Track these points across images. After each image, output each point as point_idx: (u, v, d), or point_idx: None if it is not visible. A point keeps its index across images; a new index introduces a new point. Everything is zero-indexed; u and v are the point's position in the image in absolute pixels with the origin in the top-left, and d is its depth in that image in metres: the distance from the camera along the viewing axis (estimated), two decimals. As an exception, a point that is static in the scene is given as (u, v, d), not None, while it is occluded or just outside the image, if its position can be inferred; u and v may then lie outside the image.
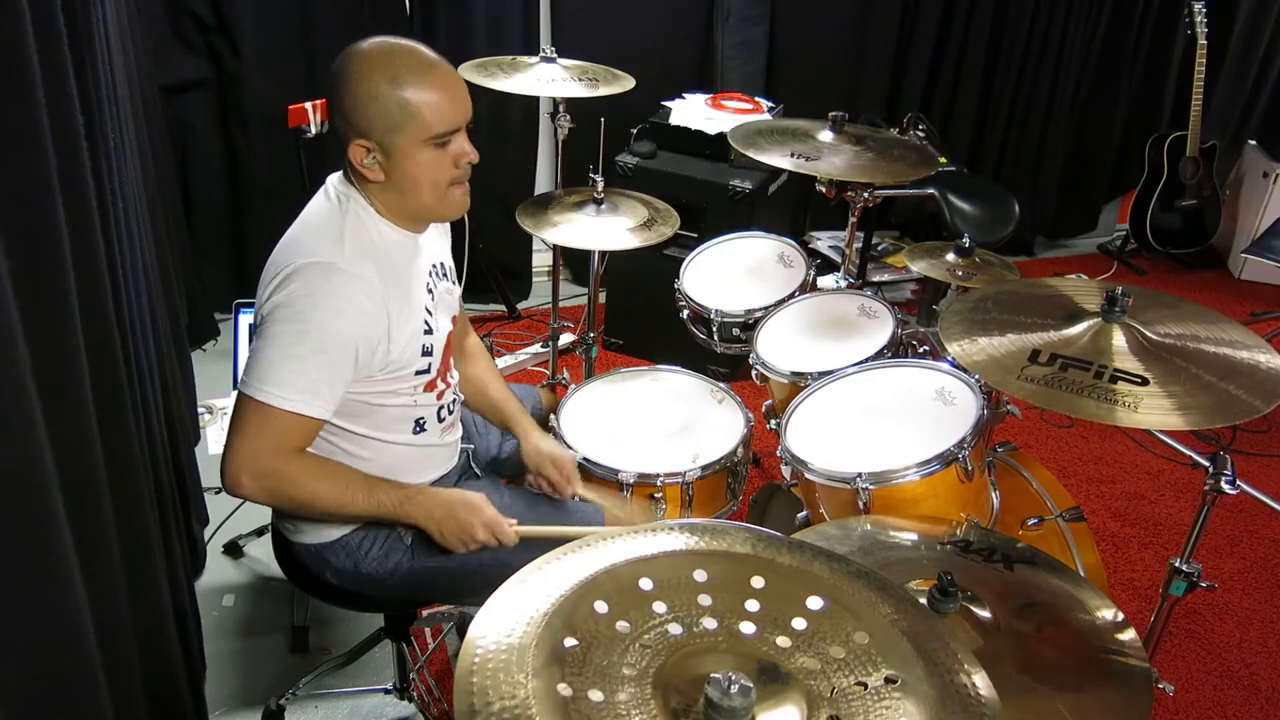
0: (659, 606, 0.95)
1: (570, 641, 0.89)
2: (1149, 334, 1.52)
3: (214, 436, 2.85)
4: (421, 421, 1.65)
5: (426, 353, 1.59)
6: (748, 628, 0.94)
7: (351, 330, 1.46)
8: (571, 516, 1.74)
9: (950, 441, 1.70)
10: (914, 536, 1.56)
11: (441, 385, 1.67)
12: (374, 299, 1.48)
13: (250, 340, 1.53)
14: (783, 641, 0.93)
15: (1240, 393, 1.40)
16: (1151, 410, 1.38)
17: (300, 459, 1.49)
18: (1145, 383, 1.42)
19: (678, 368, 2.23)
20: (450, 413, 1.73)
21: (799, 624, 0.95)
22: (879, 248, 3.94)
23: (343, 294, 1.45)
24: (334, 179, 1.59)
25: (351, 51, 1.49)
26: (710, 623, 0.94)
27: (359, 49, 1.49)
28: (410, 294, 1.57)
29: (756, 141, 2.27)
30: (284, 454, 1.46)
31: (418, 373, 1.59)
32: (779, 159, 2.19)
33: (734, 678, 0.81)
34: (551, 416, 2.02)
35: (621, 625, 0.92)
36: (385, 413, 1.59)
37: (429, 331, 1.60)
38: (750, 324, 2.31)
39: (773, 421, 2.18)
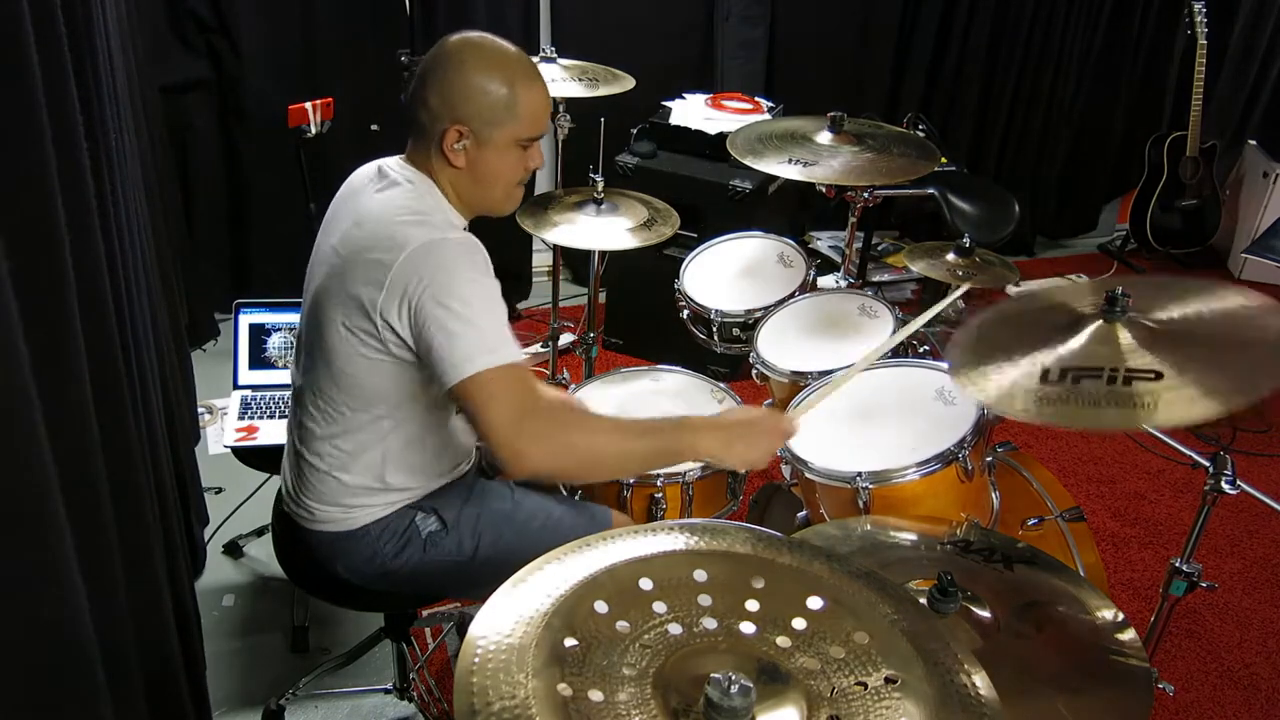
0: (659, 606, 0.95)
1: (570, 641, 0.89)
2: (1152, 324, 1.49)
3: (214, 436, 2.85)
4: None
5: None
6: (748, 628, 0.94)
7: (491, 281, 1.50)
8: (581, 517, 1.74)
9: (950, 441, 1.70)
10: (914, 536, 1.56)
11: None
12: (484, 252, 1.52)
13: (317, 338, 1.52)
14: (783, 641, 0.93)
15: (1258, 364, 1.34)
16: (1172, 405, 1.32)
17: (552, 405, 1.49)
18: (1159, 376, 1.38)
19: (678, 368, 2.23)
20: None
21: (799, 624, 0.95)
22: (879, 248, 3.93)
23: (467, 257, 1.48)
24: (391, 165, 1.60)
25: (463, 41, 1.54)
26: (710, 623, 0.94)
27: (473, 41, 1.54)
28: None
29: (756, 148, 2.26)
30: (534, 407, 1.44)
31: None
32: (779, 166, 2.19)
33: (734, 678, 0.81)
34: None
35: (621, 625, 0.92)
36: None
37: None
38: (750, 324, 2.31)
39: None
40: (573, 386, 2.17)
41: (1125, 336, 1.47)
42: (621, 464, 1.59)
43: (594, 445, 1.49)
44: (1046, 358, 1.47)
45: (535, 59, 2.56)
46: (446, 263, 1.45)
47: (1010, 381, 1.45)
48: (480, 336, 1.43)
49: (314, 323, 1.58)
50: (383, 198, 1.55)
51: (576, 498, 1.94)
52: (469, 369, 1.41)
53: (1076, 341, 1.49)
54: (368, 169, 1.63)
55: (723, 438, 1.53)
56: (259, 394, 2.37)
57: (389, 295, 1.45)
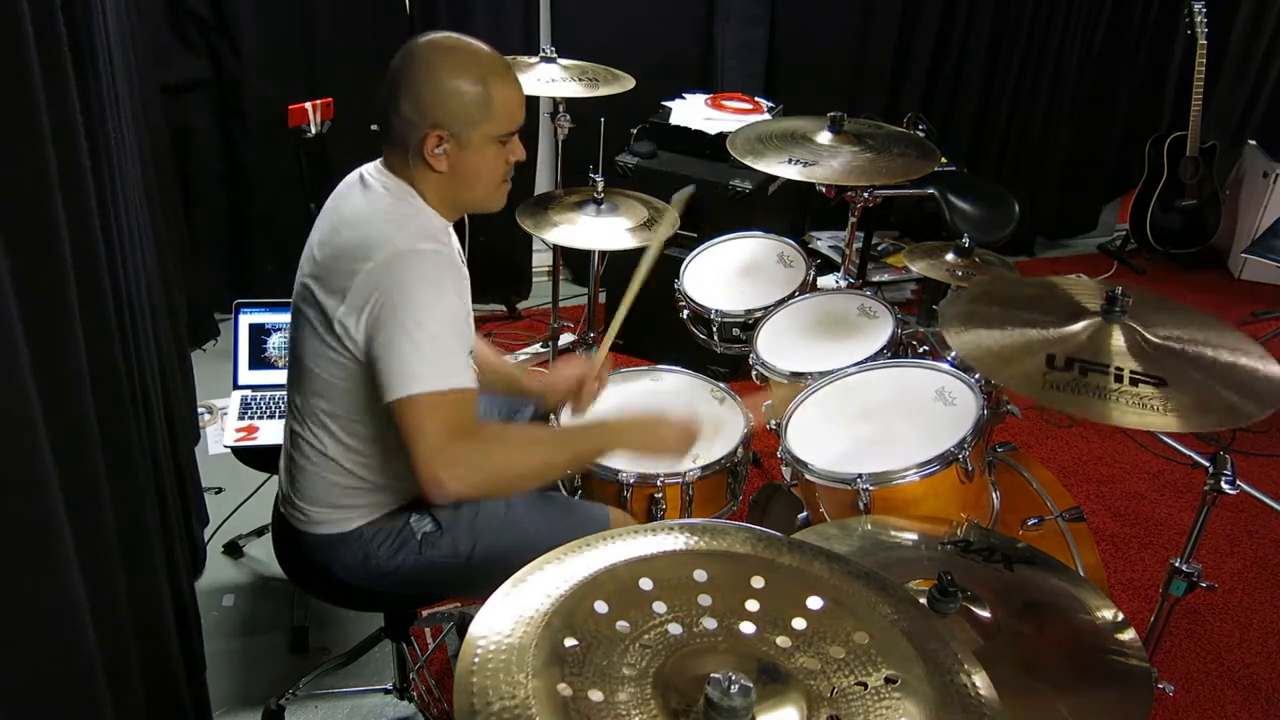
0: (659, 606, 0.95)
1: (570, 641, 0.89)
2: (1149, 336, 1.51)
3: (214, 436, 2.85)
4: None
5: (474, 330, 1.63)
6: (748, 628, 0.94)
7: (457, 301, 1.49)
8: (578, 517, 1.74)
9: (950, 442, 1.70)
10: (914, 537, 1.56)
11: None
12: (457, 268, 1.52)
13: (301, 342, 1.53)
14: (783, 641, 0.93)
15: (1236, 398, 1.40)
16: (1184, 413, 1.36)
17: (483, 431, 1.49)
18: (1164, 383, 1.40)
19: (678, 368, 2.23)
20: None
21: (799, 624, 0.95)
22: (879, 248, 3.93)
23: (433, 273, 1.47)
24: (370, 172, 1.60)
25: (430, 44, 1.53)
26: (710, 623, 0.94)
27: (440, 43, 1.53)
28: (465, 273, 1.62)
29: (756, 148, 2.27)
30: (465, 433, 1.45)
31: (469, 352, 1.61)
32: (779, 166, 2.19)
33: (734, 678, 0.81)
34: (552, 416, 2.02)
35: (621, 625, 0.92)
36: None
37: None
38: (750, 324, 2.31)
39: (773, 421, 2.18)
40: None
41: (1119, 339, 1.49)
42: (544, 477, 1.61)
43: (516, 466, 1.50)
44: (1037, 336, 1.52)
45: (535, 59, 2.57)
46: (409, 277, 1.45)
47: (996, 344, 1.50)
48: (424, 358, 1.42)
49: (294, 327, 1.59)
50: (360, 205, 1.56)
51: (577, 496, 1.94)
52: (405, 390, 1.41)
53: (1072, 330, 1.53)
54: (351, 176, 1.63)
55: (639, 433, 1.60)
56: (259, 394, 2.36)
57: (350, 303, 1.46)
